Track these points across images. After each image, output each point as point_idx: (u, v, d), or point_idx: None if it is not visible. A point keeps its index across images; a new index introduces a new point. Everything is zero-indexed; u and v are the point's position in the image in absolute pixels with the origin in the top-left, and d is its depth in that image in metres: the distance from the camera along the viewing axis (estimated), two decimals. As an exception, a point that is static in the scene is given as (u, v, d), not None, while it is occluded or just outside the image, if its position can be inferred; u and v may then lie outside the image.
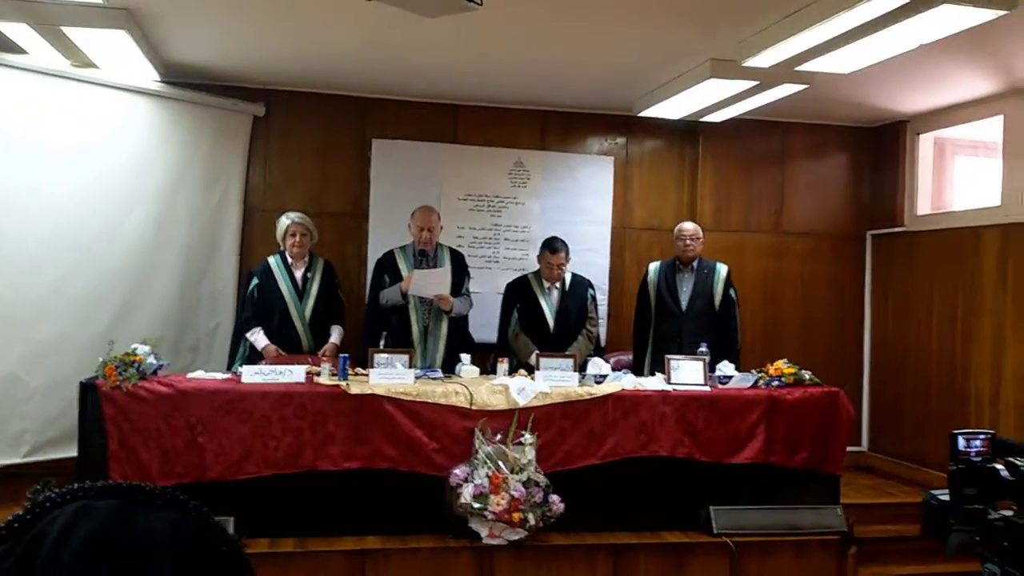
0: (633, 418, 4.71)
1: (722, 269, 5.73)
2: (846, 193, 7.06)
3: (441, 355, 5.33)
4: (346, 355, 4.74)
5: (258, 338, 5.26)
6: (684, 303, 5.63)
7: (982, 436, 2.11)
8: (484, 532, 4.31)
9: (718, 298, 5.66)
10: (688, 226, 5.74)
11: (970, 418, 5.77)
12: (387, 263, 5.47)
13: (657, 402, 4.76)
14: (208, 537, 0.63)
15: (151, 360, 4.41)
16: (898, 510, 5.24)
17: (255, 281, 5.36)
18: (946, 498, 2.10)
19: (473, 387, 4.61)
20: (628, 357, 5.84)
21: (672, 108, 5.98)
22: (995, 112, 5.90)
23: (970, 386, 5.94)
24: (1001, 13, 3.80)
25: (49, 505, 0.61)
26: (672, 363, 5.00)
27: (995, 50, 4.89)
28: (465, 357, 5.07)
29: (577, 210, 6.60)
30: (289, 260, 5.38)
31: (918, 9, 3.80)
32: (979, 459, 2.08)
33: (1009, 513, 2.02)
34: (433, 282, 5.26)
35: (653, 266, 5.85)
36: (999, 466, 2.06)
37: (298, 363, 4.73)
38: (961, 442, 2.10)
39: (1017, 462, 2.03)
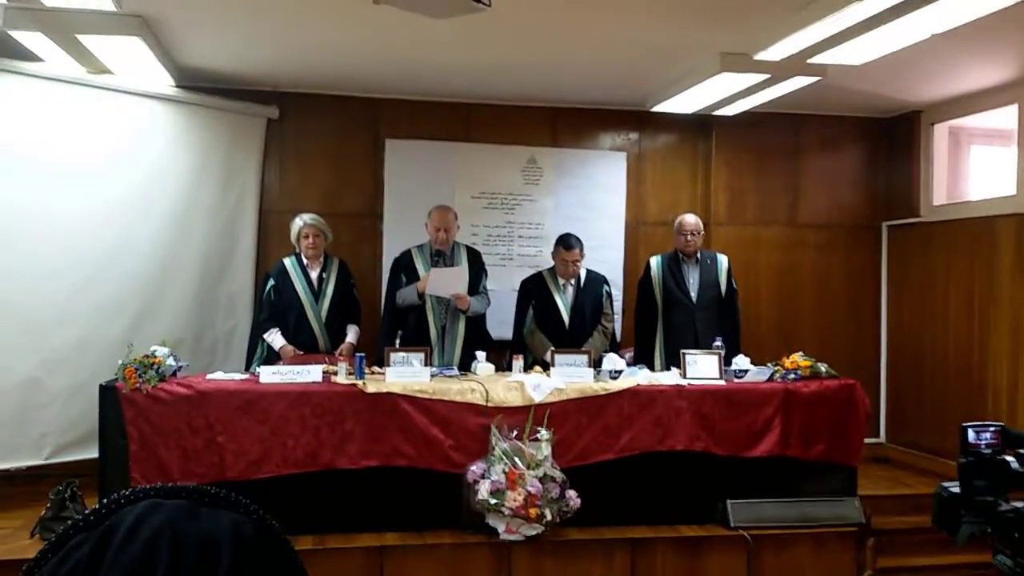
0: (649, 413, 4.73)
1: (723, 260, 5.75)
2: (861, 184, 7.02)
3: (458, 354, 5.35)
4: (362, 354, 4.78)
5: (275, 339, 5.31)
6: (694, 295, 5.63)
7: (992, 428, 2.10)
8: (501, 528, 4.33)
9: (723, 288, 5.67)
10: (689, 219, 5.70)
11: (987, 409, 5.74)
12: (404, 263, 5.49)
13: (672, 397, 4.77)
14: (267, 537, 0.68)
15: (170, 362, 4.47)
16: (916, 501, 5.20)
17: (271, 282, 5.41)
18: (957, 490, 2.11)
19: (489, 384, 4.64)
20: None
21: (684, 102, 5.97)
22: (1010, 100, 5.85)
23: (988, 377, 5.91)
24: (1014, 1, 3.78)
25: (123, 501, 0.66)
26: (688, 357, 5.00)
27: (1009, 38, 4.86)
28: (480, 354, 5.10)
29: (591, 206, 6.61)
30: (304, 261, 5.42)
31: (930, -2, 3.78)
32: (989, 451, 2.08)
33: (1020, 504, 2.02)
34: (450, 281, 5.27)
35: (655, 260, 5.83)
36: (1009, 458, 2.06)
37: (315, 363, 4.78)
38: (971, 434, 2.10)
39: (1028, 453, 2.03)
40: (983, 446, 2.09)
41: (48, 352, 5.08)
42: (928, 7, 3.85)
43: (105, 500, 0.66)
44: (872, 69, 5.07)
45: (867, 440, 5.60)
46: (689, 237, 5.62)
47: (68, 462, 5.06)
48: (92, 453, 4.63)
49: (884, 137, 6.96)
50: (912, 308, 6.71)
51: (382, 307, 5.72)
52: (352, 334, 5.46)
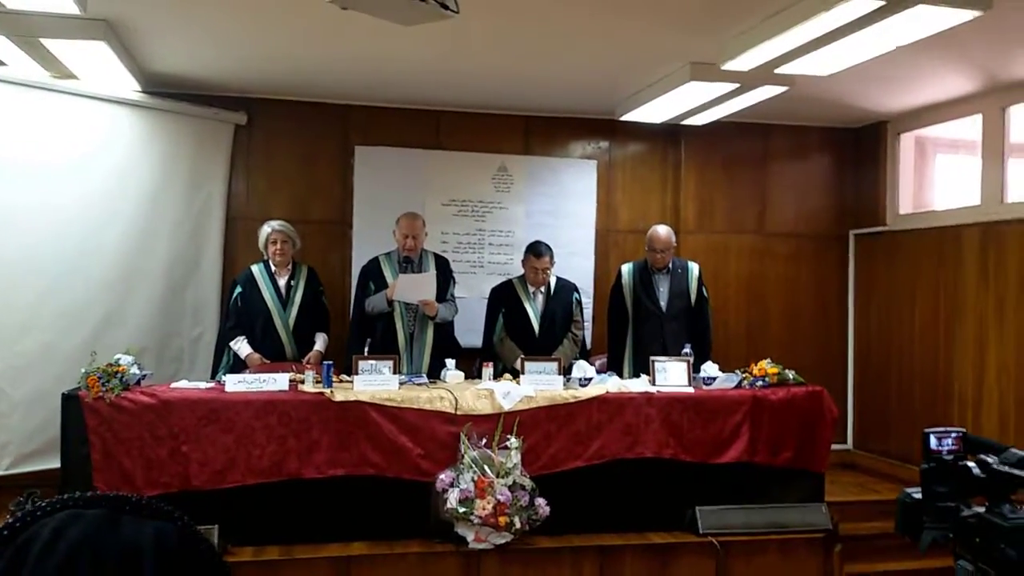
0: (618, 420, 4.73)
1: (694, 268, 5.74)
2: (828, 193, 7.09)
3: (427, 362, 5.32)
4: (330, 362, 4.73)
5: (242, 347, 5.25)
6: (663, 304, 5.64)
7: (954, 434, 2.13)
8: (470, 537, 4.31)
9: (693, 296, 5.68)
10: (661, 235, 5.60)
11: (953, 416, 5.81)
12: (372, 270, 5.46)
13: (642, 404, 4.78)
14: (190, 545, 0.65)
15: (134, 370, 4.41)
16: (883, 507, 5.24)
17: (238, 290, 5.36)
18: (920, 496, 2.12)
19: (458, 392, 4.62)
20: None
21: (654, 112, 6.00)
22: (974, 111, 5.94)
23: (953, 385, 5.98)
24: (977, 14, 3.83)
25: (40, 513, 0.63)
26: (657, 365, 5.01)
27: (972, 50, 4.93)
28: (450, 362, 5.08)
29: (561, 214, 6.62)
30: (272, 268, 5.37)
31: (894, 10, 3.82)
32: (951, 457, 2.10)
33: (981, 510, 2.04)
34: (418, 287, 5.25)
35: (626, 268, 5.83)
36: (971, 464, 2.08)
37: (282, 371, 4.72)
38: (933, 440, 2.12)
39: (988, 459, 2.05)
40: (945, 452, 2.11)
41: (10, 360, 5.00)
42: (893, 18, 3.90)
43: (20, 512, 0.63)
44: (839, 79, 5.12)
45: (834, 446, 5.65)
46: (659, 254, 5.60)
47: (30, 472, 4.97)
48: (54, 463, 4.56)
49: (851, 147, 7.04)
50: (879, 316, 6.78)
51: (350, 315, 5.69)
52: (320, 342, 5.42)
